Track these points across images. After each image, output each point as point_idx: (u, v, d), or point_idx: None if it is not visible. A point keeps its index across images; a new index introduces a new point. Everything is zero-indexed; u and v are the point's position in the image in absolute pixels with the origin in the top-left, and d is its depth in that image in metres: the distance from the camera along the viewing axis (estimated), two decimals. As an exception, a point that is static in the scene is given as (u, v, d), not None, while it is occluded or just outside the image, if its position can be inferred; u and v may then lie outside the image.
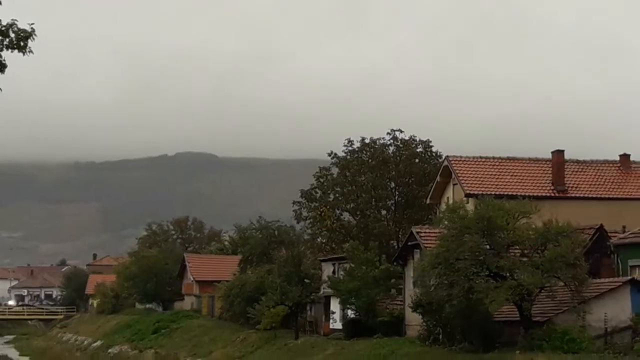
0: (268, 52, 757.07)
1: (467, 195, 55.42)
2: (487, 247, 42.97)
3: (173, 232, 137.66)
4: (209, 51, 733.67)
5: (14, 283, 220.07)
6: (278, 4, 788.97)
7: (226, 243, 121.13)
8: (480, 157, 60.69)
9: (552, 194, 58.10)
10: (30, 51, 19.60)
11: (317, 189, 76.11)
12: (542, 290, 42.94)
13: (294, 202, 76.75)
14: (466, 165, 59.59)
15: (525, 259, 43.42)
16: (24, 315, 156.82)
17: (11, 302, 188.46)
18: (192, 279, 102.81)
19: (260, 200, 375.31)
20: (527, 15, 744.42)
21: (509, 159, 61.20)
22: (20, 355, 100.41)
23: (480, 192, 53.86)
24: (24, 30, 19.44)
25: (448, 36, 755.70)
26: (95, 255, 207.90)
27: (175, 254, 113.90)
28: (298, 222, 79.41)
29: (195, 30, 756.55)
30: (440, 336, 47.44)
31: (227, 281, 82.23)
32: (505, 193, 52.79)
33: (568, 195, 58.46)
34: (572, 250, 42.49)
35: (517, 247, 44.24)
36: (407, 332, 53.52)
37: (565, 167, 59.90)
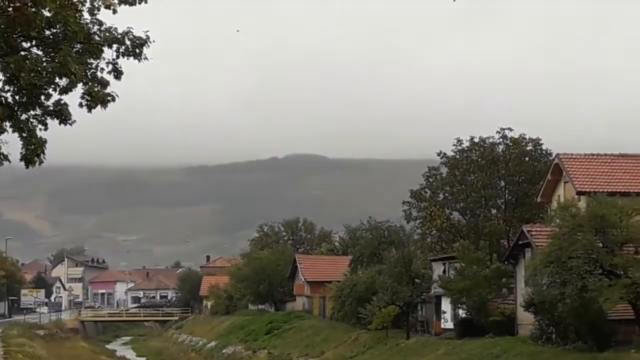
0: (386, 53, 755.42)
1: (579, 193, 54.71)
2: (600, 245, 42.50)
3: (284, 233, 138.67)
4: (326, 54, 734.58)
5: (131, 285, 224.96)
6: (399, 7, 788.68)
7: (336, 244, 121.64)
8: (592, 155, 59.76)
9: (667, 191, 56.87)
10: (145, 58, 20.14)
11: (426, 189, 75.95)
12: (658, 289, 42.28)
13: (403, 202, 76.73)
14: (577, 163, 58.78)
15: (639, 257, 42.83)
16: (140, 316, 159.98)
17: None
18: (303, 279, 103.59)
19: (369, 201, 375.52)
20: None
21: (621, 156, 60.10)
22: (137, 355, 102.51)
23: (592, 190, 53.07)
24: (139, 38, 19.99)
25: (568, 32, 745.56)
26: (208, 257, 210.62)
27: (287, 255, 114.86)
28: (408, 222, 79.33)
29: (317, 33, 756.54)
30: (553, 335, 47.06)
31: (338, 281, 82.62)
32: (618, 190, 52.06)
33: (683, 191, 57.10)
34: (688, 247, 41.77)
35: (631, 245, 43.65)
36: (519, 332, 53.16)
37: (680, 162, 58.50)
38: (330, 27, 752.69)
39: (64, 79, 19.23)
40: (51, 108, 19.80)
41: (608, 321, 43.74)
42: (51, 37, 19.15)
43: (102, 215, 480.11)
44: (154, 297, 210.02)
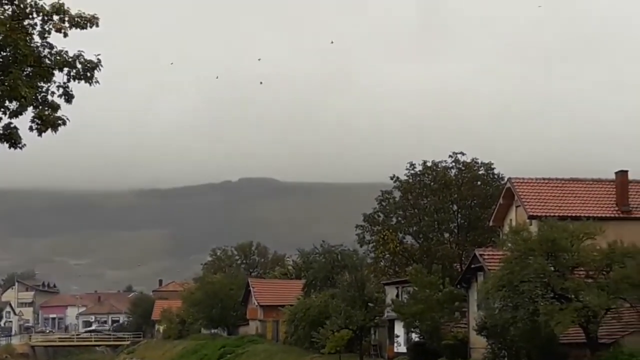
0: (339, 76, 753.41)
1: (530, 217, 55.07)
2: (552, 269, 42.77)
3: (237, 257, 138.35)
4: (279, 77, 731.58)
5: (82, 309, 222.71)
6: (353, 29, 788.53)
7: (290, 267, 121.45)
8: (543, 179, 60.24)
9: (617, 215, 57.49)
10: (97, 81, 20.02)
11: (379, 213, 76.10)
12: (608, 312, 42.67)
13: (356, 226, 76.81)
14: (529, 187, 59.21)
15: (590, 281, 43.18)
16: (91, 341, 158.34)
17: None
18: (256, 303, 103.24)
19: (322, 225, 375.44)
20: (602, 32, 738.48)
21: (572, 180, 60.63)
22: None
23: (543, 214, 53.48)
24: (91, 61, 19.85)
25: (526, 55, 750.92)
26: (160, 281, 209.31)
27: (240, 279, 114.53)
28: (361, 246, 79.41)
29: (270, 56, 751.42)
30: (506, 359, 47.20)
31: (291, 305, 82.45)
32: (569, 214, 52.43)
33: (633, 215, 57.74)
34: (638, 271, 42.13)
35: (582, 269, 44.01)
36: (472, 355, 53.27)
37: (630, 187, 59.11)
38: (283, 50, 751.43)
39: (14, 103, 19.04)
40: (1, 132, 19.58)
41: (559, 345, 44.01)
42: (1, 60, 18.96)
43: (53, 239, 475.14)
44: (105, 321, 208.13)
